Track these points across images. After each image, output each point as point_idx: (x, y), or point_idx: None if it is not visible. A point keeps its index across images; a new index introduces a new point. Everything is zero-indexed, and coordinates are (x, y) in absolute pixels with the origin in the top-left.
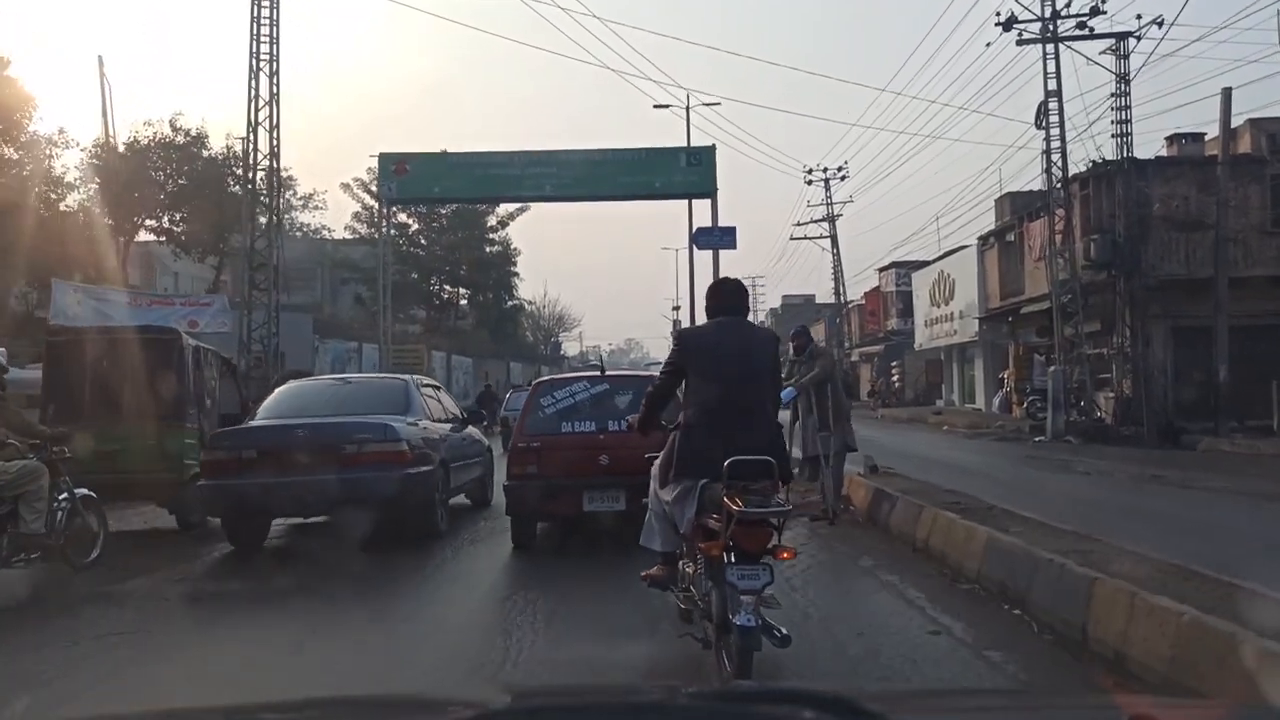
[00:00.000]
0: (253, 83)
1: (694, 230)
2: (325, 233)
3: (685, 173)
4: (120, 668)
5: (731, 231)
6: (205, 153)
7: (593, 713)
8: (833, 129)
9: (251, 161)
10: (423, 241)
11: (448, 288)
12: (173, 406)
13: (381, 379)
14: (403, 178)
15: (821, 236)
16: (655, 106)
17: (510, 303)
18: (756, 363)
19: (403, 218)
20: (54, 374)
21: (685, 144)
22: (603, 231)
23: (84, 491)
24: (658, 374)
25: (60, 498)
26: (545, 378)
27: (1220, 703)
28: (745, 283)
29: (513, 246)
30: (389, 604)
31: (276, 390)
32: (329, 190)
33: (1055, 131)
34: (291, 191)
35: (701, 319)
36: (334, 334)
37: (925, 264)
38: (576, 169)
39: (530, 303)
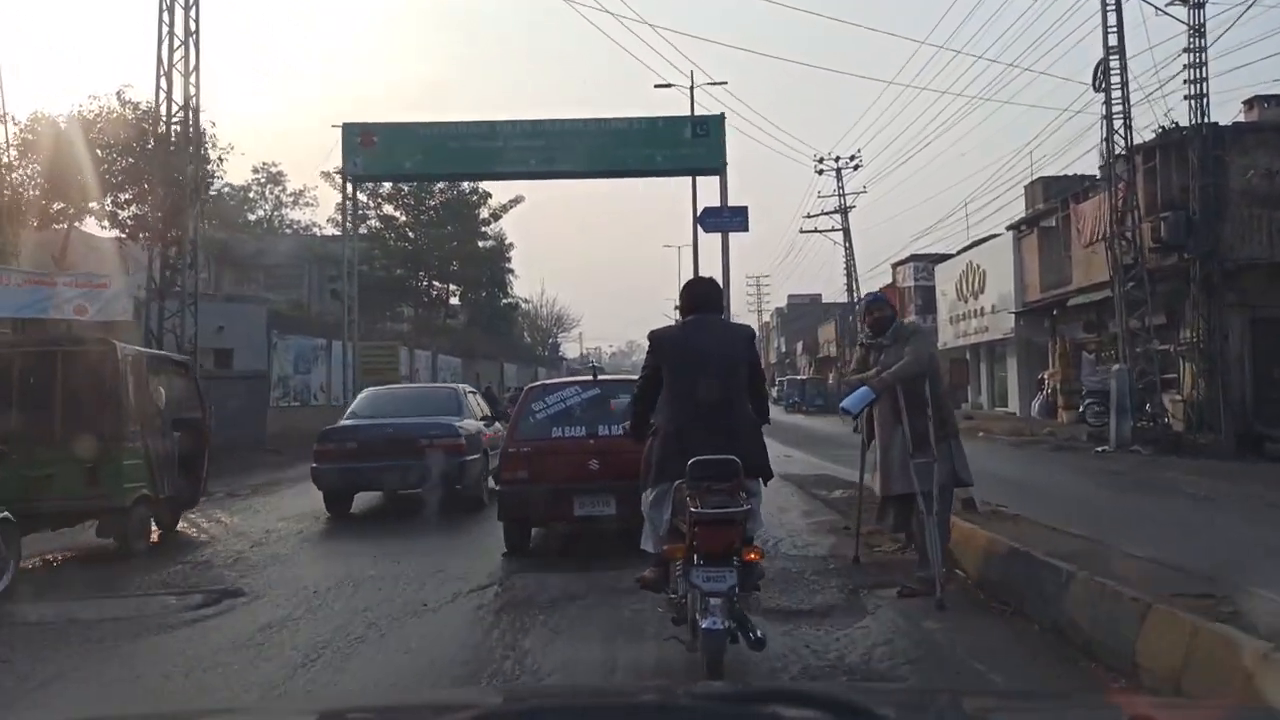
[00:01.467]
0: (165, 16)
1: (700, 211)
2: (315, 230)
3: (691, 145)
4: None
5: (742, 212)
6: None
7: (592, 714)
8: (847, 113)
9: (165, 113)
10: (410, 235)
11: (437, 284)
12: (110, 425)
13: (436, 388)
14: (369, 151)
15: (833, 229)
16: (657, 86)
17: (505, 300)
18: (728, 360)
19: (389, 209)
20: None
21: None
22: (602, 228)
23: None
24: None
25: None
26: (538, 382)
27: (1220, 703)
28: (749, 282)
29: (507, 241)
30: (389, 601)
31: (359, 396)
32: (319, 187)
33: (1117, 94)
34: (281, 188)
35: None
36: (316, 332)
37: (948, 257)
38: (568, 141)
39: (526, 301)
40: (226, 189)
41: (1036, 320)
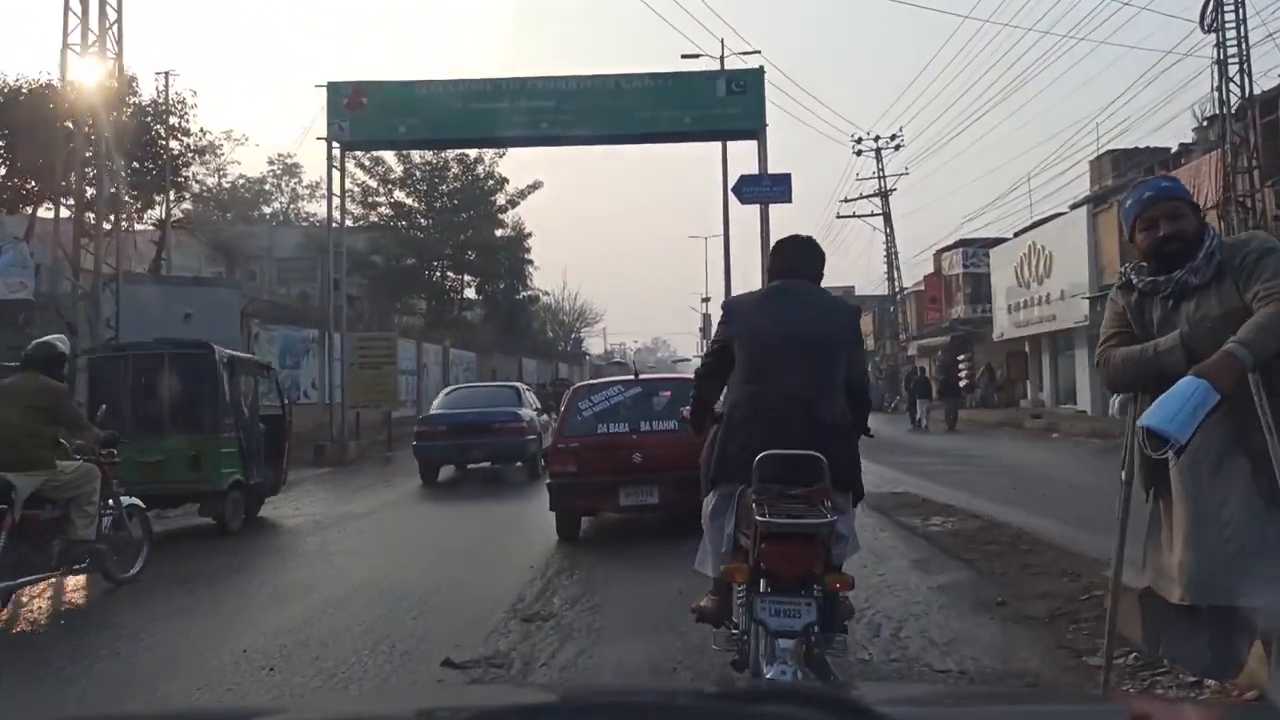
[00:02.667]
0: None
1: (736, 180)
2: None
3: (725, 104)
4: None
5: (785, 180)
6: (133, 99)
7: (591, 713)
8: (887, 88)
9: (76, 39)
10: (422, 223)
11: (451, 275)
12: (209, 419)
13: (502, 386)
14: (358, 114)
15: (872, 214)
16: (684, 56)
17: (523, 293)
18: (821, 336)
19: (400, 195)
20: (97, 390)
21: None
22: (625, 217)
23: (130, 500)
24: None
25: (107, 504)
26: (584, 382)
27: (1220, 703)
28: None
29: (525, 230)
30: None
31: (441, 394)
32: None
33: (1231, 34)
34: (297, 180)
35: None
36: (319, 325)
37: (1002, 240)
38: (584, 102)
39: (546, 294)
40: (241, 180)
41: None
